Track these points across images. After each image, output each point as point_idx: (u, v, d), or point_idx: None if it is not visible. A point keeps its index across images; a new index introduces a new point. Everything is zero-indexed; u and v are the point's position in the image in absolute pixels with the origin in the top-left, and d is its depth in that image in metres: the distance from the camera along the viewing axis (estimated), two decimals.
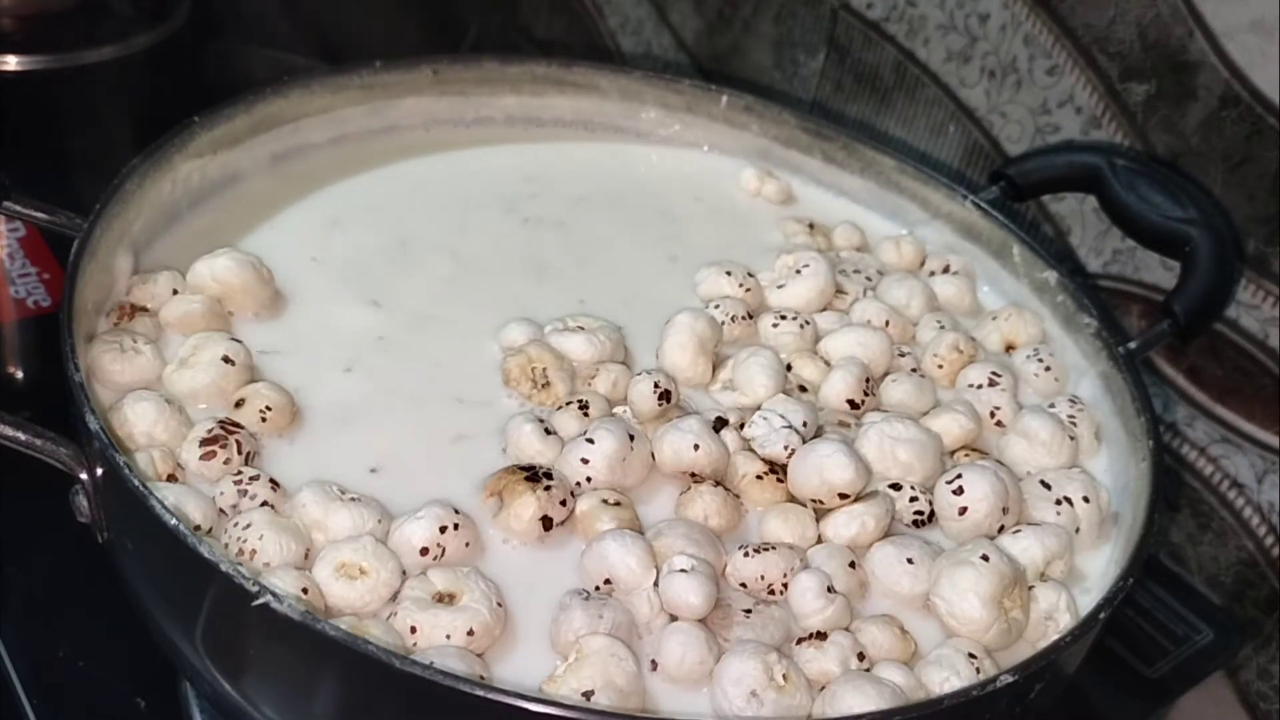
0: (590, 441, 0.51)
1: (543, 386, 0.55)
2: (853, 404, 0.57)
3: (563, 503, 0.49)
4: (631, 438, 0.51)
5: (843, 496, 0.51)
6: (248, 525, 0.46)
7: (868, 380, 0.58)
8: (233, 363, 0.52)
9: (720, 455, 0.52)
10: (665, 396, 0.54)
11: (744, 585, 0.48)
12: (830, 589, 0.47)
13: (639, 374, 0.55)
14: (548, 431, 0.52)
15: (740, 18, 0.97)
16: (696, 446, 0.51)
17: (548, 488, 0.49)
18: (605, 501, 0.50)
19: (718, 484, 0.52)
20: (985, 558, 0.48)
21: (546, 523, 0.49)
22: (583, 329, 0.58)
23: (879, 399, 0.58)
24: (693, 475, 0.52)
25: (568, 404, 0.54)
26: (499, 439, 0.53)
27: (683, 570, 0.46)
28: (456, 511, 0.48)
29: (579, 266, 0.65)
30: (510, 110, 0.74)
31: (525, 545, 0.49)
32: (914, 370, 0.61)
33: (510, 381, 0.55)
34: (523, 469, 0.50)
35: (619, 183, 0.72)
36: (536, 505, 0.48)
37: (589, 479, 0.50)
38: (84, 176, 0.56)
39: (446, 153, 0.71)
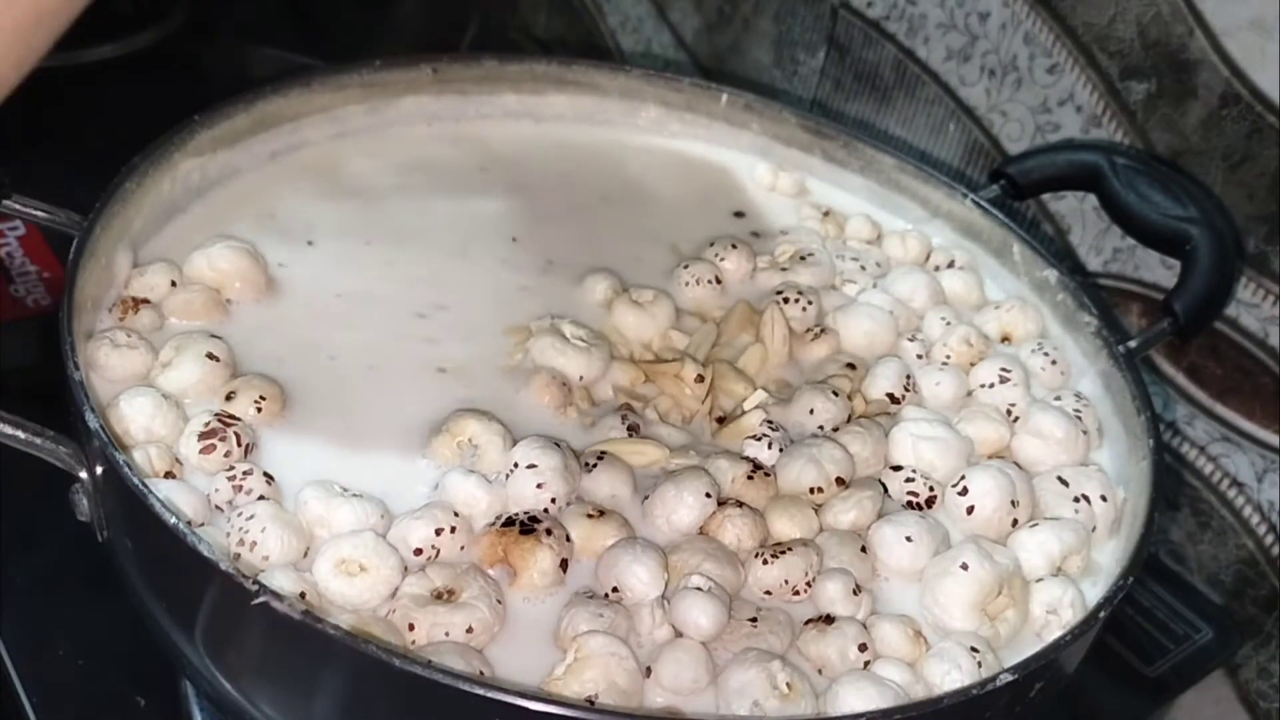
0: (532, 466, 0.49)
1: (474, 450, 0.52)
2: (892, 398, 0.58)
3: (567, 538, 0.48)
4: (557, 444, 0.50)
5: (840, 483, 0.52)
6: (250, 517, 0.46)
7: (908, 377, 0.58)
8: (217, 359, 0.52)
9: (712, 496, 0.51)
10: (634, 429, 0.53)
11: (769, 593, 0.48)
12: (856, 589, 0.47)
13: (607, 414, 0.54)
14: (487, 479, 0.50)
15: (740, 16, 0.97)
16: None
17: (548, 530, 0.47)
18: (589, 516, 0.49)
19: (740, 504, 0.50)
20: (965, 566, 0.48)
21: (564, 565, 0.47)
22: (583, 341, 0.57)
23: (919, 394, 0.59)
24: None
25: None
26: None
27: (698, 589, 0.46)
28: (455, 514, 0.48)
29: (580, 260, 0.65)
30: (510, 108, 0.74)
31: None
32: (920, 356, 0.61)
33: (440, 458, 0.52)
34: (507, 525, 0.47)
35: (622, 180, 0.72)
36: (551, 554, 0.46)
37: (553, 500, 0.49)
38: (84, 175, 0.56)
39: (446, 148, 0.71)
